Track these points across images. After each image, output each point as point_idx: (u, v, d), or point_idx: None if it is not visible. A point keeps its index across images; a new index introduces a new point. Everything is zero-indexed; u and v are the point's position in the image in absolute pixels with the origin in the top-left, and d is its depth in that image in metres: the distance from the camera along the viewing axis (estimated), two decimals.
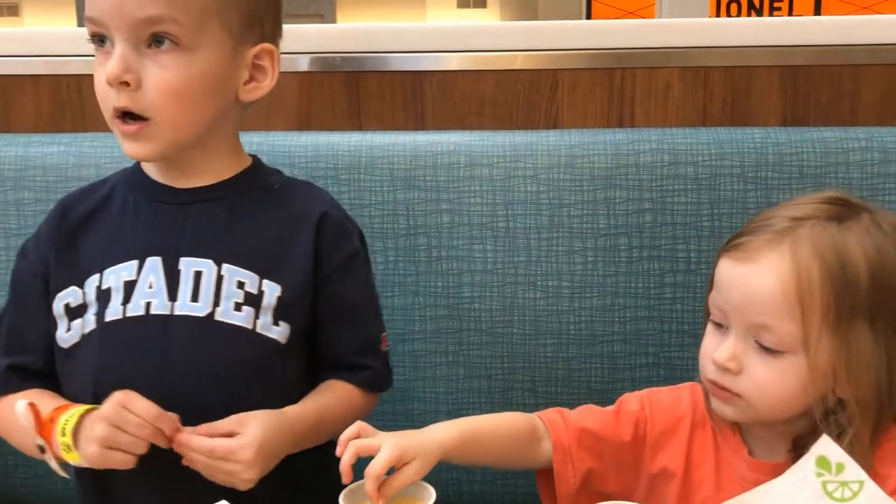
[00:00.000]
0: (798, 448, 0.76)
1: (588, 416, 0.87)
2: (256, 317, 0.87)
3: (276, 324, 0.88)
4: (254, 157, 0.97)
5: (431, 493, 0.75)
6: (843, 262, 0.73)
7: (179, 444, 0.80)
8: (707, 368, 0.79)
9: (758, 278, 0.75)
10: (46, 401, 0.87)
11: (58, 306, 0.90)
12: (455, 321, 1.13)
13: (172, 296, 0.87)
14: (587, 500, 0.85)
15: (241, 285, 0.88)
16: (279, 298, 0.88)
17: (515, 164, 1.12)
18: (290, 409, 0.86)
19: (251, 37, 0.88)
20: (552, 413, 0.87)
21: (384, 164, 1.13)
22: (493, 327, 1.13)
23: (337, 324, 0.92)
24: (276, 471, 0.87)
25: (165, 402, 0.82)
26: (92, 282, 0.89)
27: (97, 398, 0.83)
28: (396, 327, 1.13)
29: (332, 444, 0.94)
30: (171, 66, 0.83)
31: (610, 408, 0.88)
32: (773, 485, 0.68)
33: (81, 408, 0.83)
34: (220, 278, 0.87)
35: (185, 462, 0.81)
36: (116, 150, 1.16)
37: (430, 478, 0.78)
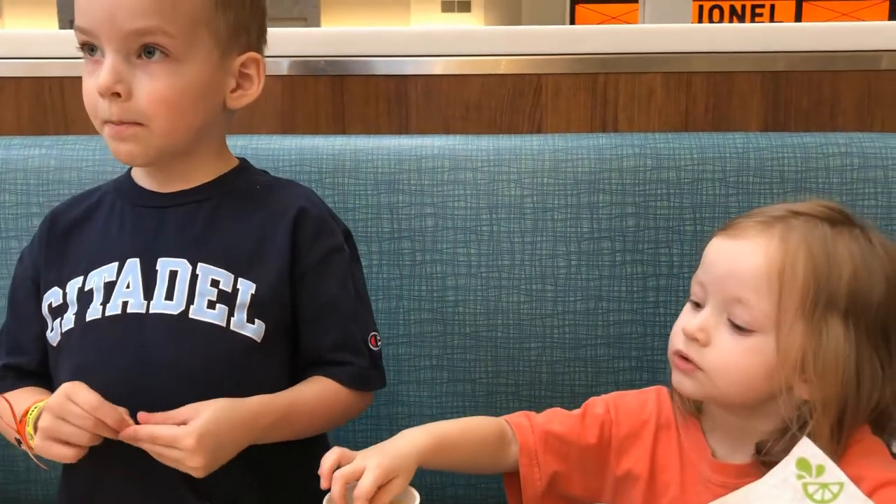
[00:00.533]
0: (761, 451, 0.77)
1: (554, 419, 0.88)
2: (230, 314, 0.88)
3: (250, 321, 0.88)
4: (241, 159, 0.98)
5: (415, 497, 0.75)
6: (830, 258, 0.74)
7: (126, 436, 0.80)
8: (676, 340, 0.80)
9: (744, 253, 0.76)
10: (35, 398, 0.88)
11: (44, 307, 0.93)
12: (439, 325, 1.13)
13: (148, 295, 0.88)
14: (553, 502, 0.87)
15: (215, 283, 0.88)
16: (253, 296, 0.88)
17: (499, 168, 1.12)
18: (254, 400, 0.86)
19: (238, 45, 0.89)
20: (519, 416, 0.88)
21: (368, 168, 1.13)
22: (477, 331, 1.13)
23: (315, 321, 0.92)
24: (258, 473, 0.88)
25: (141, 399, 0.83)
26: (74, 283, 0.91)
27: None
28: (380, 331, 1.11)
29: (316, 447, 0.93)
30: (161, 76, 0.84)
31: (576, 411, 0.89)
32: (754, 487, 0.69)
33: (45, 400, 0.84)
34: (194, 277, 0.88)
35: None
36: (98, 153, 1.16)
37: (414, 482, 0.78)
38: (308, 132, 1.24)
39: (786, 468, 0.69)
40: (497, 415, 1.12)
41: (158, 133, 0.86)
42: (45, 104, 1.28)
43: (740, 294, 0.75)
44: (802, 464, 0.69)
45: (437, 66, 1.24)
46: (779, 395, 0.75)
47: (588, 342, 1.12)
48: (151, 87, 0.84)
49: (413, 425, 1.13)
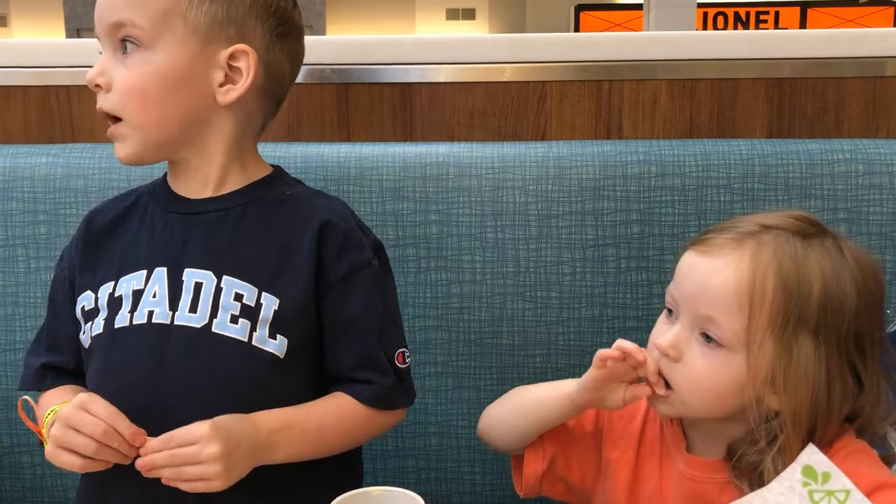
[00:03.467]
0: (732, 450, 0.78)
1: None
2: (253, 329, 0.87)
3: (272, 337, 0.88)
4: (276, 168, 0.98)
5: None
6: (800, 273, 0.74)
7: (144, 465, 0.79)
8: (651, 354, 0.80)
9: (715, 271, 0.76)
10: (68, 397, 0.89)
11: (77, 310, 0.94)
12: (444, 332, 1.13)
13: (174, 306, 0.88)
14: (549, 485, 0.91)
15: (238, 297, 0.87)
16: (276, 312, 0.87)
17: (504, 175, 1.12)
18: (255, 413, 0.85)
19: (224, 38, 0.88)
20: None
21: (373, 176, 1.13)
22: (482, 338, 1.13)
23: (338, 338, 0.91)
24: (267, 489, 0.87)
25: (160, 411, 0.83)
26: (106, 288, 0.92)
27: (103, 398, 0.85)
28: None
29: (346, 467, 0.95)
30: (132, 65, 0.87)
31: None
32: (759, 494, 0.69)
33: (61, 405, 0.84)
34: (218, 290, 0.88)
35: (164, 481, 0.80)
36: (105, 161, 1.16)
37: (419, 489, 0.78)
38: (313, 139, 1.24)
39: (792, 475, 0.69)
40: None
41: (133, 124, 0.87)
42: (52, 112, 1.29)
43: (710, 313, 0.76)
44: (808, 471, 0.69)
45: (442, 74, 1.25)
46: (749, 408, 0.75)
47: (593, 349, 1.11)
48: (124, 76, 0.87)
49: (418, 433, 1.13)
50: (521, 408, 0.89)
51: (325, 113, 1.26)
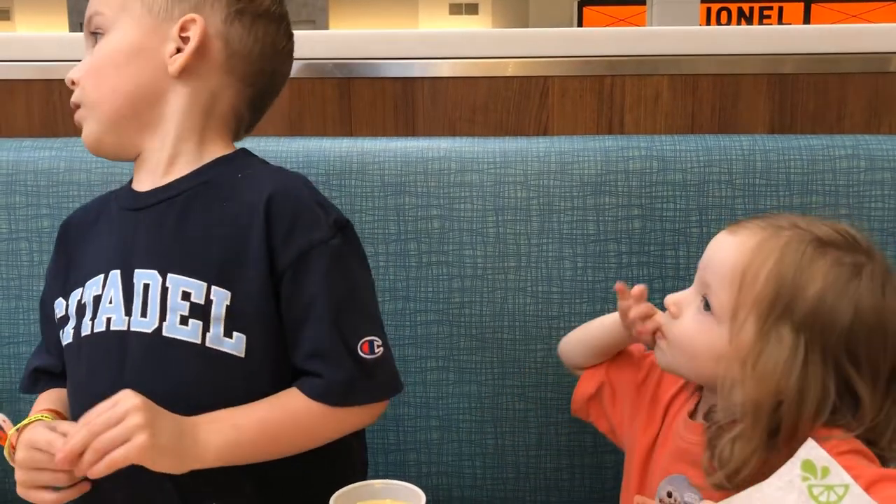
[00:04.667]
0: (707, 418, 0.80)
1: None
2: (206, 329, 0.80)
3: (228, 335, 0.80)
4: (241, 149, 0.92)
5: (421, 497, 0.76)
6: (798, 272, 0.75)
7: (62, 460, 0.73)
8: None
9: (725, 247, 0.80)
10: (56, 402, 0.91)
11: (55, 316, 0.92)
12: (445, 326, 1.13)
13: (128, 310, 0.83)
14: (595, 414, 0.98)
15: (186, 296, 0.80)
16: (228, 307, 0.80)
17: (506, 170, 1.12)
18: (203, 417, 0.79)
19: (176, 14, 0.87)
20: None
21: (375, 170, 1.13)
22: (483, 333, 1.13)
23: (294, 328, 0.83)
24: (255, 488, 0.84)
25: None
26: (75, 295, 0.89)
27: (76, 407, 0.85)
28: (387, 332, 1.13)
29: (313, 460, 0.89)
30: (95, 52, 0.88)
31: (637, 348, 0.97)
32: (758, 488, 0.69)
33: (21, 424, 0.83)
34: (164, 290, 0.81)
35: (90, 476, 0.74)
36: None
37: (420, 483, 0.78)
38: (315, 134, 1.24)
39: (791, 470, 0.69)
40: (503, 416, 1.14)
41: (88, 103, 0.88)
42: (56, 106, 1.29)
43: (710, 281, 0.80)
44: (807, 465, 0.69)
45: (444, 69, 1.25)
46: (722, 386, 0.76)
47: None
48: (87, 63, 0.88)
49: (420, 426, 1.14)
50: (587, 326, 0.98)
51: (327, 108, 1.26)
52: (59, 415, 0.89)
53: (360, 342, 0.83)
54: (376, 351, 0.84)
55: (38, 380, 0.95)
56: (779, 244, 0.77)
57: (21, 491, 0.80)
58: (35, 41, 1.32)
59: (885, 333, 0.76)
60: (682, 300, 0.83)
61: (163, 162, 0.88)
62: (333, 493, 0.74)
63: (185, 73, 0.86)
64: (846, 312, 0.74)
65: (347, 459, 0.93)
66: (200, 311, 0.80)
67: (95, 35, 0.89)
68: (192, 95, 0.87)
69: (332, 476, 0.83)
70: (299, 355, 0.83)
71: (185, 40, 0.86)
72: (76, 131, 1.28)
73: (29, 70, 1.29)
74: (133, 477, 0.76)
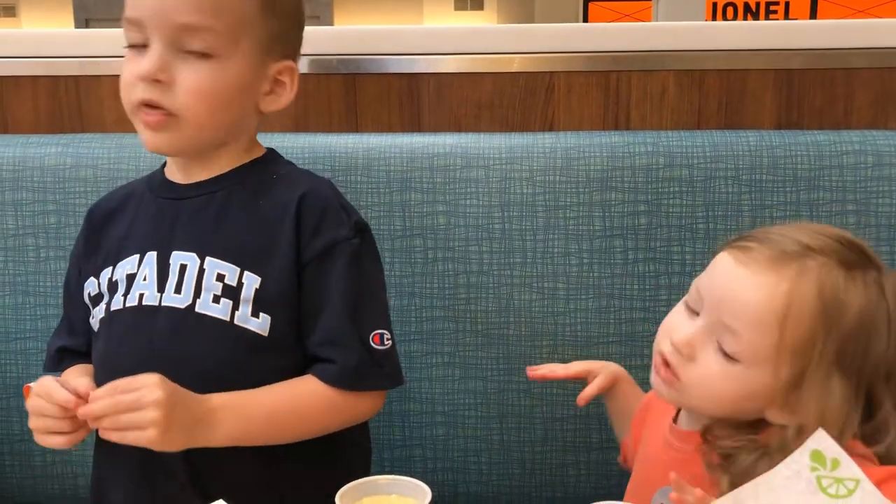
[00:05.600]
0: (707, 430, 0.78)
1: None
2: (235, 308, 0.88)
3: (255, 316, 0.89)
4: (270, 150, 0.99)
5: (427, 493, 0.76)
6: (838, 307, 0.73)
7: (83, 414, 0.80)
8: (662, 342, 0.80)
9: (749, 287, 0.74)
10: (84, 374, 0.94)
11: (85, 296, 0.97)
12: (451, 322, 1.13)
13: (161, 287, 0.90)
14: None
15: (220, 277, 0.89)
16: (257, 290, 0.89)
17: (511, 166, 1.12)
18: (215, 395, 0.85)
19: (276, 52, 0.92)
20: None
21: (381, 166, 1.13)
22: (489, 329, 1.13)
23: (312, 314, 0.91)
24: (253, 483, 0.89)
25: None
26: (106, 273, 0.95)
27: (101, 381, 0.85)
28: (393, 328, 1.13)
29: (338, 446, 0.94)
30: (203, 70, 0.87)
31: None
32: (766, 478, 0.68)
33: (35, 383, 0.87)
34: (201, 271, 0.89)
35: (101, 435, 0.81)
36: (114, 151, 1.17)
37: (426, 478, 0.78)
38: (321, 130, 1.24)
39: (799, 459, 0.68)
40: (509, 412, 1.14)
41: (192, 125, 0.88)
42: (62, 103, 1.29)
43: (734, 325, 0.74)
44: (817, 456, 0.68)
45: (450, 65, 1.24)
46: (765, 418, 0.75)
47: (600, 340, 1.12)
48: (193, 79, 0.87)
49: (425, 422, 1.14)
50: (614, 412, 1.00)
51: (332, 104, 1.26)
52: None
53: (372, 334, 0.91)
54: (385, 343, 0.92)
55: (63, 359, 1.00)
56: (810, 281, 0.73)
57: (37, 437, 0.85)
58: (41, 37, 1.32)
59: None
60: (695, 342, 0.77)
61: (209, 160, 0.94)
62: (342, 484, 0.74)
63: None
64: (881, 337, 0.73)
65: (354, 451, 0.98)
66: (232, 293, 0.89)
67: (195, 45, 0.86)
68: (259, 121, 0.97)
69: (342, 467, 0.88)
70: (314, 341, 0.90)
71: (278, 82, 0.93)
72: (82, 128, 1.29)
73: (35, 66, 1.29)
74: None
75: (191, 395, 0.83)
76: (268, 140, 1.15)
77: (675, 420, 0.85)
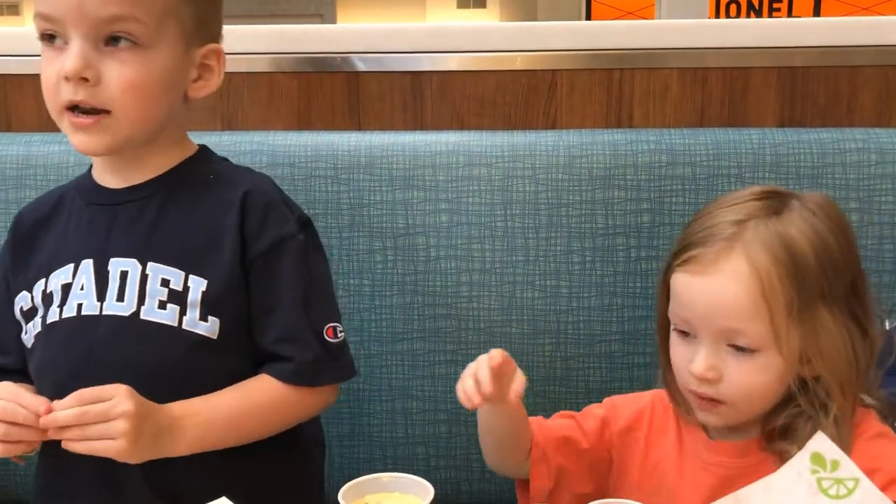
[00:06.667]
0: (768, 428, 0.79)
1: (561, 422, 0.90)
2: (182, 313, 0.87)
3: (203, 319, 0.87)
4: (202, 147, 0.97)
5: (429, 491, 0.76)
6: (793, 253, 0.76)
7: (46, 424, 0.78)
8: (686, 380, 0.80)
9: (720, 288, 0.77)
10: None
11: (16, 311, 0.94)
12: (454, 320, 1.13)
13: (101, 296, 0.88)
14: (568, 499, 0.88)
15: (165, 283, 0.87)
16: (204, 293, 0.87)
17: (514, 164, 1.12)
18: (171, 403, 0.84)
19: (200, 37, 0.89)
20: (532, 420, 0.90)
21: (383, 164, 1.13)
22: (492, 327, 1.13)
23: (263, 313, 0.90)
24: (244, 481, 0.87)
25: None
26: (39, 286, 0.92)
27: (42, 393, 0.86)
28: (395, 326, 1.13)
29: (299, 439, 0.94)
30: (131, 62, 0.84)
31: (577, 414, 0.91)
32: (768, 480, 0.69)
33: None
34: (144, 277, 0.87)
35: (64, 445, 0.78)
36: None
37: (429, 476, 0.78)
38: (324, 128, 1.24)
39: (800, 462, 0.69)
40: None
41: (126, 121, 0.85)
42: None
43: (733, 325, 0.76)
44: (817, 458, 0.69)
45: (453, 63, 1.24)
46: (793, 387, 0.77)
47: (602, 338, 1.12)
48: (122, 73, 0.83)
49: (428, 420, 1.14)
50: (482, 430, 0.88)
51: (335, 101, 1.26)
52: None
53: (326, 327, 0.91)
54: (339, 336, 0.92)
55: None
56: (759, 247, 0.76)
57: None
58: None
59: (851, 241, 0.79)
60: (712, 362, 0.78)
61: (144, 161, 0.91)
62: (293, 476, 0.74)
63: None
64: (836, 248, 0.77)
65: (305, 441, 0.97)
66: (178, 297, 0.87)
67: (118, 37, 0.84)
68: (187, 110, 0.93)
69: (292, 458, 0.88)
70: (268, 338, 0.90)
71: (205, 67, 0.90)
72: None
73: (38, 64, 1.29)
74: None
75: (156, 406, 0.82)
76: (270, 138, 1.15)
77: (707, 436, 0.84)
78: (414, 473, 0.78)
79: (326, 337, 0.91)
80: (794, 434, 0.76)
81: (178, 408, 0.84)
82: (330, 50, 1.24)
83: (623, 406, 0.90)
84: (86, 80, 0.83)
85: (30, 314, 0.92)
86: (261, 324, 0.90)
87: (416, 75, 1.24)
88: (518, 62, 1.24)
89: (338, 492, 0.76)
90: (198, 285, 0.87)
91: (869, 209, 1.09)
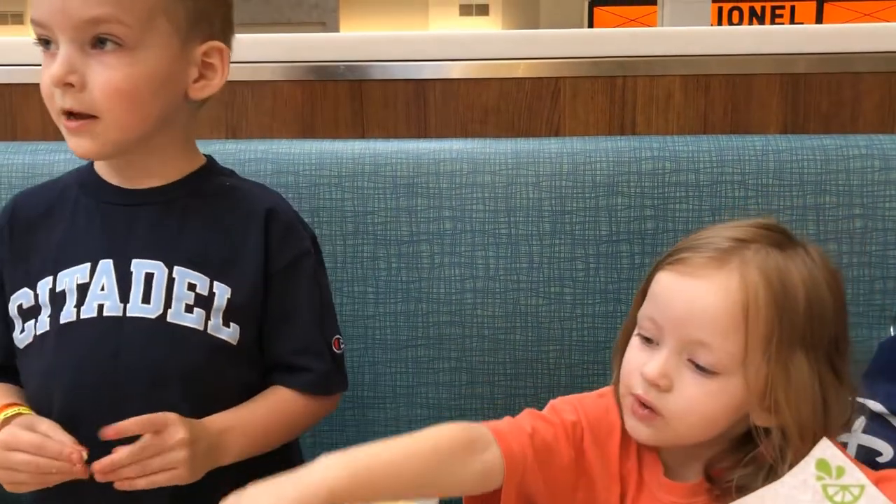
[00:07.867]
0: (710, 470, 0.75)
1: (537, 425, 0.82)
2: (208, 318, 0.88)
3: (226, 325, 0.89)
4: (208, 157, 0.97)
5: (434, 498, 0.76)
6: (786, 287, 0.72)
7: (102, 471, 0.79)
8: (633, 383, 0.76)
9: (703, 294, 0.73)
10: (14, 393, 0.90)
11: (12, 307, 0.91)
12: (458, 327, 1.14)
13: (124, 297, 0.87)
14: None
15: (192, 287, 0.88)
16: (229, 300, 0.89)
17: (517, 171, 1.12)
18: (207, 418, 0.85)
19: (199, 34, 0.87)
20: (496, 422, 0.82)
21: (387, 172, 1.13)
22: (496, 333, 1.13)
23: (280, 324, 0.92)
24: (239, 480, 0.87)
25: (116, 403, 0.84)
26: (45, 283, 0.89)
27: (49, 398, 0.86)
28: (399, 333, 1.14)
29: (293, 451, 0.96)
30: (116, 65, 0.82)
31: (550, 417, 0.83)
32: (772, 488, 0.69)
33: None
34: (171, 280, 0.88)
35: (118, 486, 0.79)
36: None
37: None
38: (327, 136, 1.25)
39: (805, 469, 0.68)
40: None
41: (114, 126, 0.83)
42: None
43: (702, 337, 0.72)
44: (822, 465, 0.69)
45: (456, 70, 1.25)
46: (751, 428, 0.73)
47: (607, 345, 1.12)
48: (106, 77, 0.82)
49: (431, 426, 1.14)
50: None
51: (338, 110, 1.27)
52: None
53: (333, 339, 0.96)
54: (342, 347, 0.97)
55: None
56: (755, 269, 0.73)
57: (8, 488, 0.83)
58: None
59: (843, 303, 0.76)
60: (668, 370, 0.73)
61: (154, 165, 0.91)
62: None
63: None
64: (828, 302, 0.74)
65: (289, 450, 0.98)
66: (204, 302, 0.88)
67: (104, 40, 0.82)
68: (190, 113, 0.92)
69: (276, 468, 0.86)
70: (285, 349, 0.93)
71: (206, 65, 0.88)
72: None
73: None
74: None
75: (203, 425, 0.84)
76: (274, 146, 1.15)
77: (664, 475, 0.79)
78: None
79: (334, 349, 0.95)
80: (747, 491, 0.72)
81: (218, 423, 0.86)
82: (333, 58, 1.25)
83: (593, 415, 0.82)
84: (71, 85, 0.82)
85: (31, 313, 0.90)
86: (276, 334, 0.92)
87: (420, 83, 1.25)
88: (521, 70, 1.24)
89: None
90: (223, 292, 0.89)
91: (873, 215, 1.09)
